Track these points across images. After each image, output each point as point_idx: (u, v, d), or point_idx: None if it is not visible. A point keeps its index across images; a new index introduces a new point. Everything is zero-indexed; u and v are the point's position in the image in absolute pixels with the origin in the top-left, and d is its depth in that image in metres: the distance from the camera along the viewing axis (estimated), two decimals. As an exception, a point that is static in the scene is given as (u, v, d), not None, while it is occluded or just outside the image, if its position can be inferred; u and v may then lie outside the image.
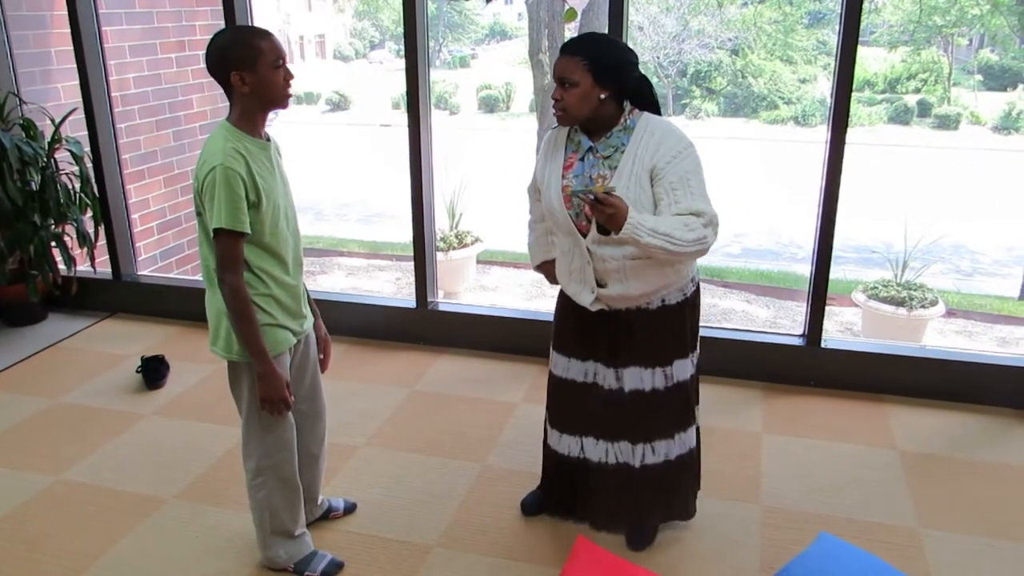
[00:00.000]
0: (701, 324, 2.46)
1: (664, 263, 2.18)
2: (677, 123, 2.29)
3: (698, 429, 2.52)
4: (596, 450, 2.45)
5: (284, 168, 2.24)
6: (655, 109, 2.24)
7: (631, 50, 2.23)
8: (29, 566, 2.48)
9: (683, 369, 2.36)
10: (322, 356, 2.48)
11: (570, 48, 2.14)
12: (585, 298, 2.29)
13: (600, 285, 2.25)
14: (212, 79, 2.07)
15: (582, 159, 2.23)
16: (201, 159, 2.03)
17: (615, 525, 2.58)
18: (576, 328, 2.39)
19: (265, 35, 2.06)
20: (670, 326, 2.31)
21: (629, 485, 2.44)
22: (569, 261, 2.30)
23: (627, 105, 2.21)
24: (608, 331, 2.33)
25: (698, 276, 2.40)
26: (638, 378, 2.33)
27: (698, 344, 2.42)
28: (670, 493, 2.49)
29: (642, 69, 2.22)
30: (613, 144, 2.18)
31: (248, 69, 2.02)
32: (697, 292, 2.38)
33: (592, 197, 2.02)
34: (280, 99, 2.10)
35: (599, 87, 2.11)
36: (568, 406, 2.47)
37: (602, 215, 2.02)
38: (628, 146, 2.16)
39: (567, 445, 2.50)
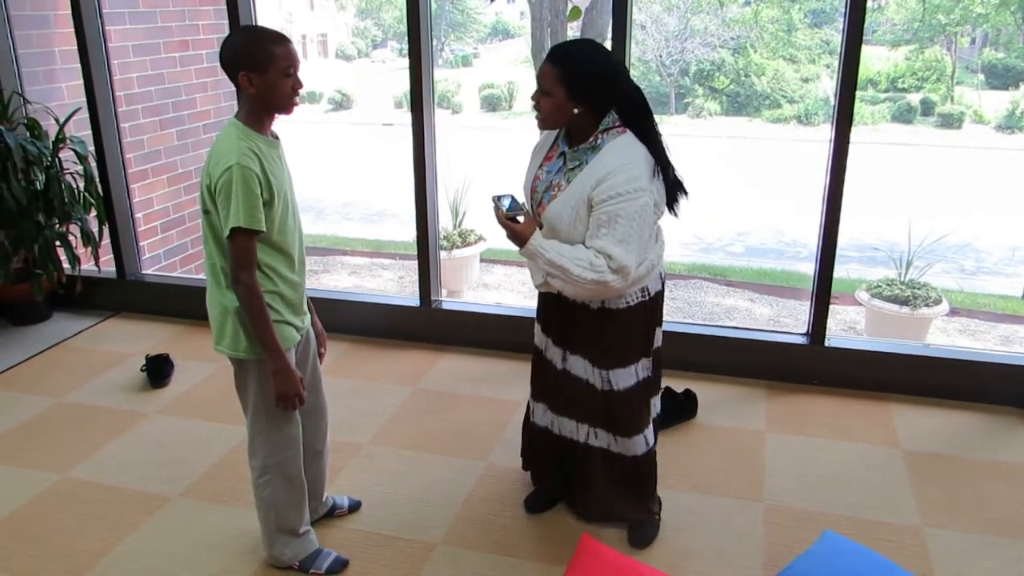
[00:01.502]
0: (705, 323, 2.47)
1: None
2: (679, 123, 2.28)
3: (651, 451, 2.49)
4: (544, 417, 2.54)
5: (288, 165, 2.25)
6: (642, 123, 2.16)
7: (617, 63, 2.19)
8: (34, 564, 2.49)
9: (624, 378, 2.35)
10: (322, 350, 2.49)
11: (552, 56, 2.15)
12: (536, 279, 2.36)
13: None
14: (216, 78, 2.08)
15: (558, 157, 2.26)
16: (214, 157, 2.03)
17: (567, 494, 2.66)
18: (541, 303, 2.50)
19: (281, 41, 2.05)
20: (610, 330, 2.31)
21: (572, 457, 2.50)
22: None
23: (609, 120, 2.15)
24: (560, 313, 2.38)
25: (656, 286, 2.33)
26: (583, 369, 2.38)
27: (647, 355, 2.39)
28: (607, 485, 2.48)
29: (644, 68, 2.23)
30: (579, 158, 2.18)
31: (258, 72, 2.01)
32: (649, 303, 2.32)
33: (496, 212, 2.15)
34: (285, 106, 2.10)
35: (572, 102, 2.11)
36: (533, 368, 2.58)
37: (506, 232, 2.16)
38: (587, 167, 2.15)
39: (531, 405, 2.62)
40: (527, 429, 2.68)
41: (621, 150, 2.12)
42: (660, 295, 2.39)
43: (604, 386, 2.37)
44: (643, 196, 2.09)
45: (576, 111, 2.13)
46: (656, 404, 2.54)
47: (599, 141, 2.16)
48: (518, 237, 2.14)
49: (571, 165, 2.19)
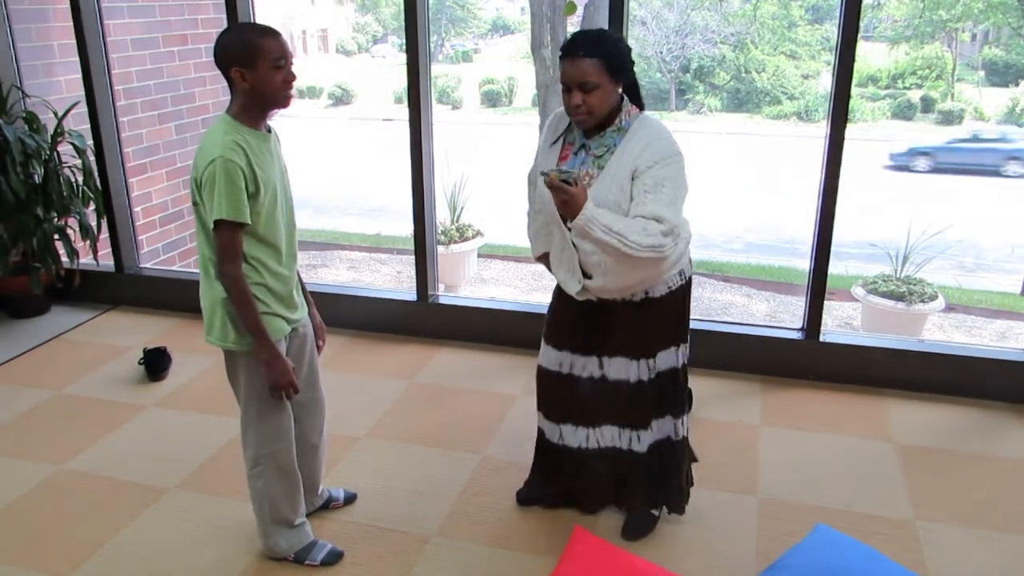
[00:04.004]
0: (701, 318, 2.48)
1: (643, 262, 2.17)
2: (679, 119, 2.30)
3: (686, 427, 2.51)
4: (576, 436, 2.49)
5: (283, 159, 2.25)
6: (639, 101, 2.27)
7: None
8: (32, 555, 2.51)
9: (667, 360, 2.37)
10: (321, 343, 2.49)
11: (581, 50, 2.09)
12: (572, 287, 2.30)
13: (586, 276, 2.27)
14: (215, 72, 2.09)
15: (576, 154, 2.25)
16: (200, 151, 2.05)
17: (600, 507, 2.62)
18: (562, 318, 2.43)
19: (270, 34, 2.05)
20: (654, 318, 2.32)
21: (614, 469, 2.48)
22: (560, 250, 2.32)
23: (626, 103, 2.22)
24: (593, 321, 2.35)
25: (690, 270, 2.38)
26: (623, 369, 2.36)
27: (687, 338, 2.42)
28: (656, 480, 2.49)
29: (644, 64, 2.25)
30: (606, 144, 2.19)
31: (248, 66, 2.02)
32: (686, 287, 2.37)
33: (548, 179, 2.04)
34: (278, 100, 2.09)
35: (615, 83, 2.14)
36: (548, 394, 2.53)
37: (557, 200, 2.07)
38: (619, 148, 2.17)
39: (549, 430, 2.57)
40: (546, 451, 2.61)
41: (653, 124, 2.20)
42: (691, 278, 2.40)
43: (651, 374, 2.35)
44: (681, 160, 2.16)
45: (619, 92, 2.17)
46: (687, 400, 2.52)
47: (623, 122, 2.19)
48: (572, 202, 2.03)
49: (598, 152, 2.20)
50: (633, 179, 2.13)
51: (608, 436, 2.46)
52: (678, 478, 2.52)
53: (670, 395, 2.42)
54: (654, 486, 2.51)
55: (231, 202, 2.01)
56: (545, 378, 2.51)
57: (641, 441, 2.43)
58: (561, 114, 2.30)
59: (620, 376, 2.37)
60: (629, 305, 2.30)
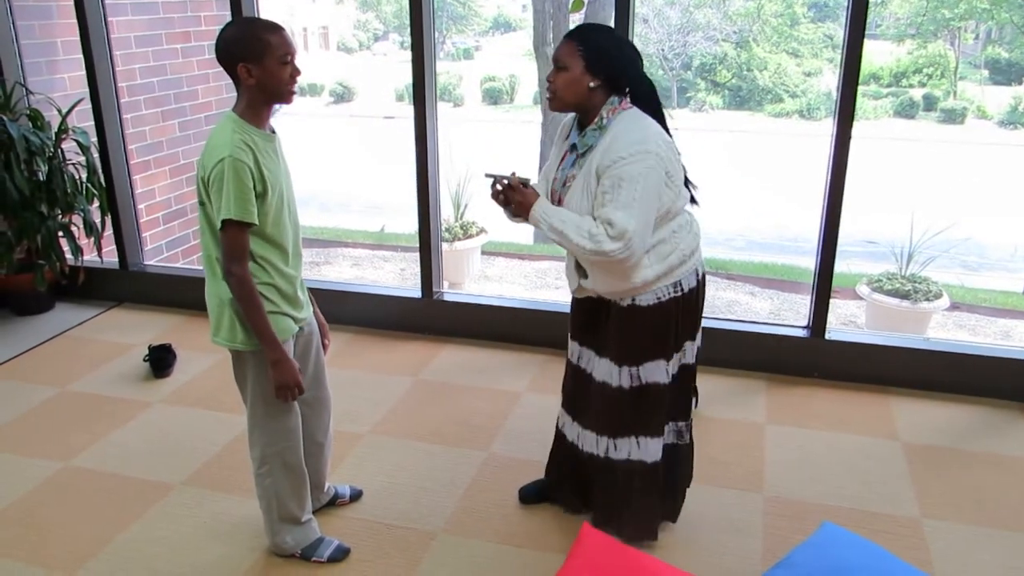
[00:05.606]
0: (705, 315, 2.44)
1: (625, 268, 2.14)
2: (681, 117, 2.26)
3: (670, 447, 2.43)
4: (571, 429, 2.52)
5: (286, 159, 2.25)
6: (657, 113, 2.17)
7: (634, 47, 2.21)
8: (38, 552, 2.51)
9: (654, 373, 2.28)
10: (326, 341, 2.49)
11: (570, 34, 2.16)
12: (571, 283, 2.38)
13: (583, 275, 2.30)
14: (218, 69, 2.08)
15: (570, 154, 2.25)
16: (208, 149, 2.04)
17: (584, 508, 2.60)
18: (574, 311, 2.48)
19: (275, 29, 2.05)
20: (638, 326, 2.25)
21: (592, 473, 2.46)
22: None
23: (613, 101, 2.13)
24: (593, 318, 2.37)
25: (689, 283, 2.25)
26: (607, 372, 2.32)
27: (679, 353, 2.33)
28: (626, 496, 2.40)
29: (647, 61, 2.22)
30: (588, 143, 2.16)
31: (255, 62, 2.02)
32: (681, 300, 2.25)
33: (500, 182, 2.21)
34: (284, 94, 2.09)
35: (590, 75, 2.09)
36: (565, 382, 2.57)
37: (512, 201, 2.19)
38: (596, 147, 2.13)
39: (559, 417, 2.60)
40: (556, 440, 2.64)
41: (628, 121, 2.12)
42: (696, 293, 2.28)
43: (633, 383, 2.29)
44: (649, 158, 2.04)
45: (592, 85, 2.10)
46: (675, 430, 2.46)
47: (605, 121, 2.13)
48: (524, 202, 2.16)
49: (581, 151, 2.18)
50: (598, 179, 2.10)
51: (589, 441, 2.42)
52: (647, 503, 2.42)
53: (652, 412, 2.33)
54: (624, 503, 2.41)
55: (239, 202, 2.00)
56: (567, 366, 2.55)
57: (619, 450, 2.36)
58: (571, 119, 2.30)
59: (603, 378, 2.33)
60: (618, 308, 2.28)
